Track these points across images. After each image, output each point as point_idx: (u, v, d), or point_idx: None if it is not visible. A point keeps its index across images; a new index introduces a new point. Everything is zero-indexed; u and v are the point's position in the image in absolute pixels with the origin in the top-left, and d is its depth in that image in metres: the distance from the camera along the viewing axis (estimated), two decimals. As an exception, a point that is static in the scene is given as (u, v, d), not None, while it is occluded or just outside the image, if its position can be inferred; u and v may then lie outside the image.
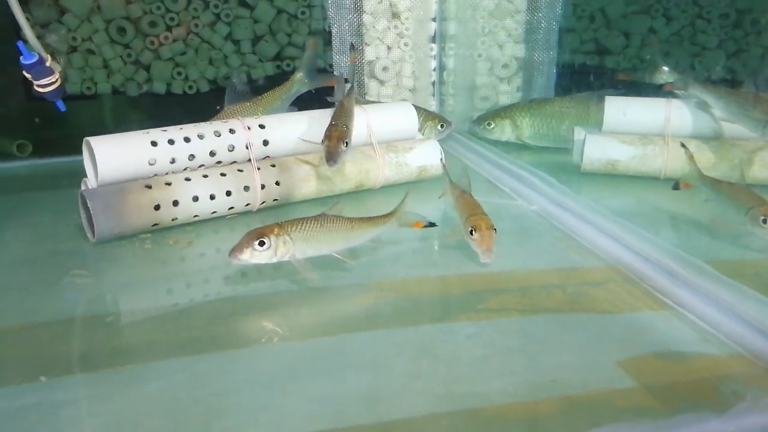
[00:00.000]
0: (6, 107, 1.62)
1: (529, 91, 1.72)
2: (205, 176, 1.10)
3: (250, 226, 0.87)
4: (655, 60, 1.65)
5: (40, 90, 1.18)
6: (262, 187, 1.13)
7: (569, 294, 0.85)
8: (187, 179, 1.08)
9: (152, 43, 1.69)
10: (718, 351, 0.71)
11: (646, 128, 1.32)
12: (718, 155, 1.25)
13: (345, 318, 0.82)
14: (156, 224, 1.05)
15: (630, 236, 0.97)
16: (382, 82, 1.67)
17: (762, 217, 0.93)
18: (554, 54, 1.70)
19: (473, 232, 0.90)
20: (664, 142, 1.29)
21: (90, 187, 1.06)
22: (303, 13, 1.76)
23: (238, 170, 1.13)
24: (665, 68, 1.53)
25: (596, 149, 1.32)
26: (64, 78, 1.23)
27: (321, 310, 0.83)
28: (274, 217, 1.09)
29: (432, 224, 0.98)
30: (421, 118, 1.38)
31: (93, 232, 1.00)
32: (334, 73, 1.64)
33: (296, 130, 1.20)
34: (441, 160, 1.25)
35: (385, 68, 1.65)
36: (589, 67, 1.90)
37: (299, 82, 1.34)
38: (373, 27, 1.63)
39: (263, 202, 1.15)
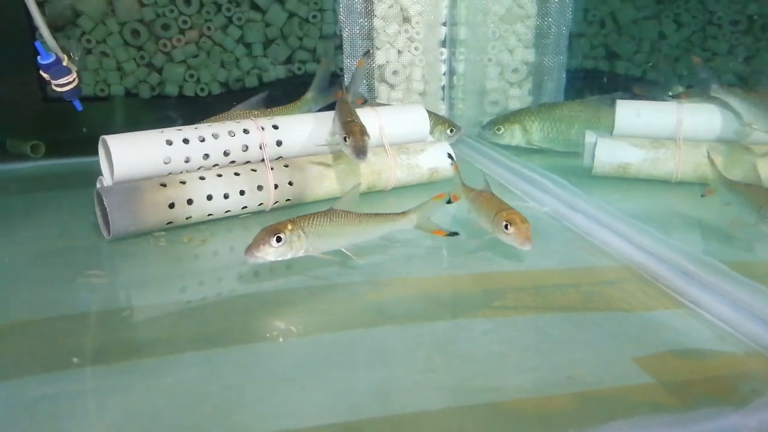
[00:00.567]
0: (21, 109, 1.64)
1: (539, 95, 1.72)
2: (220, 175, 1.10)
3: (264, 225, 0.87)
4: (668, 78, 1.64)
5: (58, 89, 1.19)
6: (276, 186, 1.14)
7: (583, 293, 0.85)
8: (202, 178, 1.09)
9: (165, 45, 1.70)
10: (736, 349, 0.71)
11: (657, 131, 1.32)
12: (730, 159, 1.25)
13: (360, 314, 0.82)
14: (170, 222, 1.06)
15: (643, 237, 0.97)
16: (392, 86, 1.68)
17: None
18: (564, 59, 1.70)
19: (508, 227, 0.90)
20: (675, 145, 1.29)
21: (105, 185, 1.07)
22: (314, 16, 1.77)
23: (252, 170, 1.13)
24: (680, 87, 1.52)
25: (607, 152, 1.32)
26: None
27: (335, 307, 0.84)
28: (287, 216, 1.09)
29: (454, 233, 0.97)
30: (431, 123, 1.38)
31: (108, 229, 1.01)
32: (344, 77, 1.65)
33: (309, 131, 1.20)
34: (452, 161, 1.24)
35: (395, 72, 1.66)
36: (599, 72, 1.90)
37: (310, 101, 1.36)
38: (384, 31, 1.64)
39: (276, 202, 1.16)
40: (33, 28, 1.43)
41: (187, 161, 1.09)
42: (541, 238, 1.05)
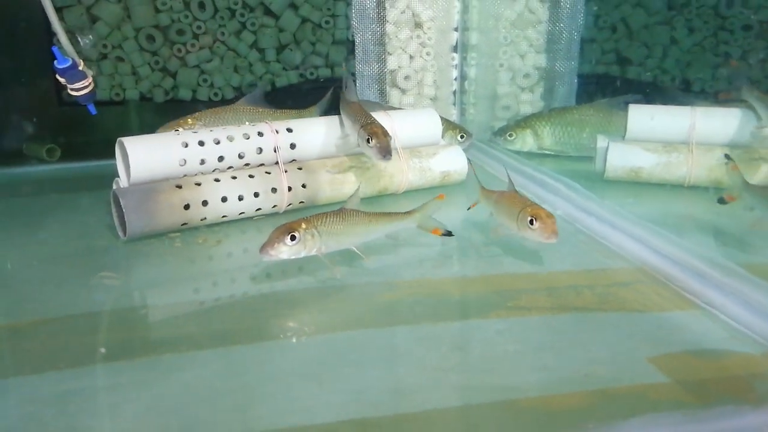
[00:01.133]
0: (37, 113, 1.66)
1: (550, 100, 1.73)
2: (234, 177, 1.11)
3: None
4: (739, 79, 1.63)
5: (74, 93, 1.21)
6: (289, 189, 1.15)
7: (597, 294, 0.85)
8: (217, 180, 1.10)
9: (179, 50, 1.72)
10: (751, 349, 0.71)
11: (670, 136, 1.32)
12: (744, 164, 1.25)
13: (374, 314, 0.82)
14: (185, 223, 1.07)
15: (657, 239, 0.97)
16: (403, 91, 1.69)
17: None
18: (576, 64, 1.71)
19: (534, 222, 0.90)
20: (688, 149, 1.29)
21: (122, 187, 1.08)
22: (327, 22, 1.79)
23: (266, 172, 1.14)
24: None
25: (619, 156, 1.32)
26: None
27: (349, 307, 0.84)
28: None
29: (449, 233, 0.98)
30: (443, 128, 1.39)
31: (124, 230, 1.02)
32: (356, 82, 1.66)
33: (323, 134, 1.21)
34: (469, 163, 1.22)
35: (407, 77, 1.67)
36: (610, 77, 1.90)
37: (314, 114, 1.37)
38: (396, 36, 1.65)
39: (290, 204, 1.16)
40: (50, 33, 1.46)
41: (202, 163, 1.10)
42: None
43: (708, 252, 0.90)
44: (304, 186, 1.17)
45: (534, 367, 0.68)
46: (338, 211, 0.91)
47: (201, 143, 1.10)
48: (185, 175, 1.10)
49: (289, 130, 1.19)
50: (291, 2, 1.77)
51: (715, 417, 0.58)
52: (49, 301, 0.85)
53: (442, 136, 1.39)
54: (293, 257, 0.86)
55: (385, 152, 1.07)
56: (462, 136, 1.43)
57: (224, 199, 1.09)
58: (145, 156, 1.06)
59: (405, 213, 0.97)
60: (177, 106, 1.75)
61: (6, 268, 0.98)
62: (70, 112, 1.61)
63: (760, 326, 0.74)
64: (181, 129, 1.22)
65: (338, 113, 1.24)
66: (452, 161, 1.32)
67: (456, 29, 1.70)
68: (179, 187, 1.06)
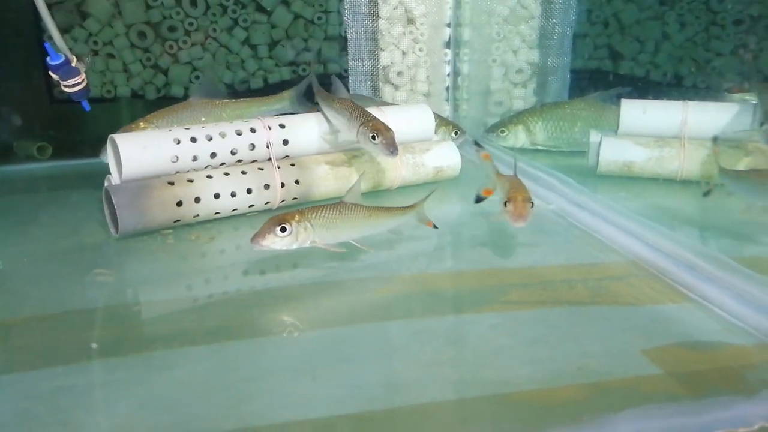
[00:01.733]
0: (28, 111, 1.65)
1: (543, 95, 1.73)
2: (227, 174, 1.11)
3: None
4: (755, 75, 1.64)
5: (67, 90, 1.20)
6: (282, 185, 1.15)
7: (590, 288, 0.85)
8: (209, 177, 1.09)
9: (171, 47, 1.71)
10: (744, 341, 0.71)
11: (662, 130, 1.32)
12: (735, 158, 1.25)
13: (368, 309, 0.82)
14: (178, 220, 1.06)
15: (650, 233, 0.97)
16: (396, 87, 1.69)
17: None
18: (568, 59, 1.71)
19: (507, 204, 0.91)
20: (680, 144, 1.29)
21: (114, 184, 1.07)
22: (319, 18, 1.78)
23: (259, 168, 1.14)
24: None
25: (612, 151, 1.32)
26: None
27: (344, 302, 0.84)
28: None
29: (434, 227, 0.99)
30: (436, 125, 1.39)
31: (116, 227, 1.02)
32: (350, 78, 1.65)
33: (316, 130, 1.21)
34: (478, 149, 1.18)
35: (399, 73, 1.67)
36: (603, 72, 1.91)
37: (286, 101, 1.32)
38: (389, 32, 1.65)
39: (283, 200, 1.16)
40: (40, 31, 1.45)
41: (194, 160, 1.10)
42: (547, 235, 1.06)
43: (700, 245, 0.91)
44: (297, 182, 1.17)
45: (528, 360, 0.68)
46: (336, 204, 0.91)
47: (193, 140, 1.10)
48: (177, 172, 1.09)
49: (282, 126, 1.19)
50: (283, -2, 1.76)
51: (708, 408, 0.59)
52: (41, 298, 0.85)
53: (435, 132, 1.39)
54: (285, 249, 0.85)
55: (393, 148, 1.07)
56: (456, 133, 1.43)
57: (217, 196, 1.09)
58: (137, 153, 1.05)
59: (405, 208, 0.97)
60: (169, 103, 1.71)
61: (-3, 266, 0.98)
62: (62, 110, 1.60)
63: (753, 318, 0.74)
64: None
65: (316, 103, 1.23)
66: (445, 157, 1.32)
67: (449, 25, 1.69)
68: (171, 183, 1.06)
